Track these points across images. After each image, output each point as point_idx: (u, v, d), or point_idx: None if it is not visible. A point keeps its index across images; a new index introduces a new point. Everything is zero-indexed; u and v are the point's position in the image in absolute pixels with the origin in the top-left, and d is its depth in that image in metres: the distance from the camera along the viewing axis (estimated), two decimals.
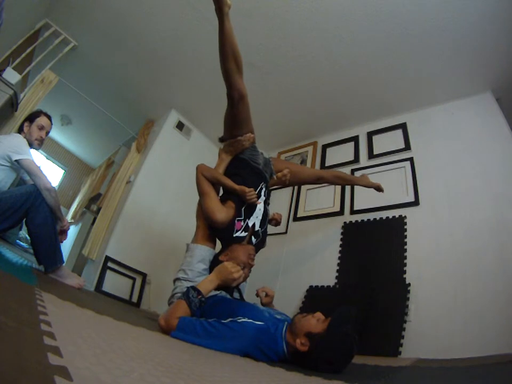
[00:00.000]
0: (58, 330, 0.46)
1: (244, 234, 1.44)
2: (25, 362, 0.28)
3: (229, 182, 1.48)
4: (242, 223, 1.43)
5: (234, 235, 1.40)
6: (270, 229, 2.66)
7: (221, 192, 1.61)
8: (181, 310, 1.05)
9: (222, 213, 1.38)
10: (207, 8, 2.16)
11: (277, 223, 1.86)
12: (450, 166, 2.15)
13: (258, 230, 1.52)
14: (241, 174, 1.54)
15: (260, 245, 1.57)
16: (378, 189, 2.15)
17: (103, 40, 2.71)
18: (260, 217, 1.53)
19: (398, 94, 2.53)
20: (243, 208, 1.46)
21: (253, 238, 1.51)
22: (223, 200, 1.49)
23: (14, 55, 2.44)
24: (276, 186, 2.02)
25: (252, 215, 1.49)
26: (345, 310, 0.99)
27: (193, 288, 1.10)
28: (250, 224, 1.48)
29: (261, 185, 1.57)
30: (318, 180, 2.03)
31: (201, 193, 1.48)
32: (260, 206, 1.53)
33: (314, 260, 2.38)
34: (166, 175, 3.08)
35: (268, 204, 1.64)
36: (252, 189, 1.43)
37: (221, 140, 1.67)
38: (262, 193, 1.58)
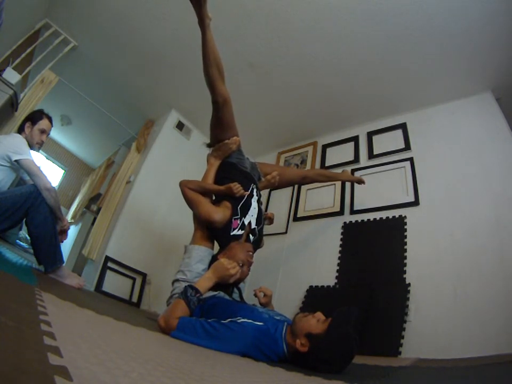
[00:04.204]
0: (58, 330, 0.46)
1: (240, 232, 1.47)
2: (25, 362, 0.28)
3: (214, 186, 1.55)
4: (238, 221, 1.48)
5: (231, 233, 1.44)
6: (270, 229, 2.67)
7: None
8: (179, 309, 1.05)
9: (218, 213, 1.42)
10: (208, 9, 2.16)
11: (271, 221, 1.92)
12: (450, 166, 2.15)
13: (254, 228, 1.57)
14: (231, 177, 1.58)
15: (257, 243, 1.61)
16: (359, 182, 2.25)
17: (103, 40, 2.71)
18: (255, 216, 1.58)
19: (398, 94, 2.53)
20: (239, 207, 1.50)
21: (250, 236, 1.54)
22: (217, 203, 1.54)
23: (14, 55, 2.44)
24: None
25: (247, 213, 1.53)
26: (346, 311, 0.99)
27: (191, 286, 1.11)
28: (246, 223, 1.51)
29: (251, 186, 1.63)
30: (303, 179, 2.14)
31: (192, 203, 1.50)
32: (254, 205, 1.59)
33: (314, 260, 2.38)
34: (166, 175, 3.07)
35: (261, 204, 1.69)
36: (235, 182, 1.49)
37: (209, 145, 1.73)
38: (254, 193, 1.63)
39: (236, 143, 1.66)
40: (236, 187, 1.48)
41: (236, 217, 1.47)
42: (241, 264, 1.30)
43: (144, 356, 0.52)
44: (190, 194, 1.50)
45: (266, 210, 2.89)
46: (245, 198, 1.54)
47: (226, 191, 1.49)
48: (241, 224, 1.48)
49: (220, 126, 1.62)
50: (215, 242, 1.55)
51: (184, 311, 1.05)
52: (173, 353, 0.67)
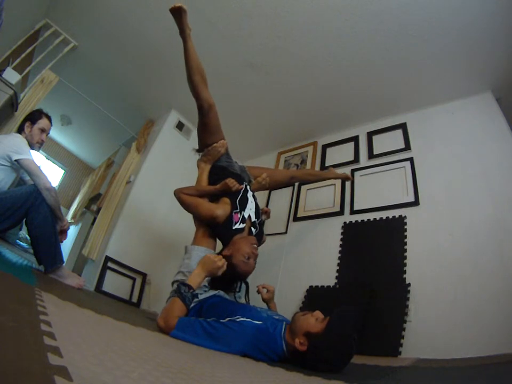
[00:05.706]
0: (58, 330, 0.46)
1: (242, 226, 1.51)
2: (25, 362, 0.28)
3: (210, 187, 1.60)
4: (239, 215, 1.51)
5: (233, 227, 1.47)
6: (270, 229, 2.67)
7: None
8: (177, 307, 1.07)
9: (219, 208, 1.45)
10: (208, 9, 2.17)
11: (268, 215, 1.96)
12: (450, 166, 2.15)
13: (255, 221, 1.61)
14: (224, 178, 1.59)
15: (259, 237, 1.64)
16: (347, 178, 2.34)
17: (103, 40, 2.71)
18: (253, 209, 1.62)
19: (398, 94, 2.53)
20: (237, 201, 1.54)
21: (252, 229, 1.58)
22: (215, 201, 1.56)
23: (14, 55, 2.44)
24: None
25: (246, 207, 1.57)
26: (345, 310, 0.99)
27: (183, 283, 1.14)
28: (246, 216, 1.55)
29: (244, 183, 1.67)
30: (291, 179, 2.19)
31: (191, 207, 1.52)
32: (251, 199, 1.63)
33: (314, 260, 2.37)
34: (166, 175, 3.08)
35: (256, 198, 1.73)
36: (229, 178, 1.54)
37: (198, 151, 1.78)
38: (249, 188, 1.67)
39: (223, 146, 1.71)
40: (231, 182, 1.52)
41: (235, 211, 1.50)
42: (247, 257, 1.32)
43: (144, 355, 0.53)
44: (187, 199, 1.52)
45: None
46: (242, 192, 1.58)
47: (223, 188, 1.53)
48: (242, 217, 1.52)
49: (207, 131, 1.69)
50: (217, 241, 1.55)
51: (181, 309, 1.07)
52: (173, 353, 0.67)
